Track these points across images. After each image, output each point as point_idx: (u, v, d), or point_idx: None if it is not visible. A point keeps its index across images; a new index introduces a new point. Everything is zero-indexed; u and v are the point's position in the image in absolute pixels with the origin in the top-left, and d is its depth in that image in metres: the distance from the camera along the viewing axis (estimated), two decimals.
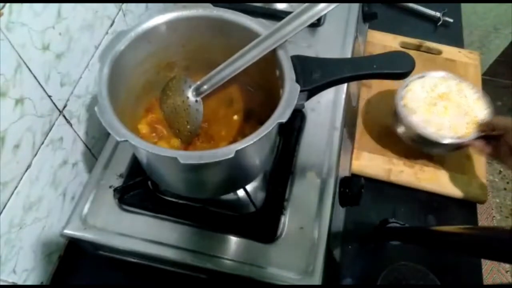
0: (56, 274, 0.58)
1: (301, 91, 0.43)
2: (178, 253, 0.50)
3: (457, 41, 0.95)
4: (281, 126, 0.41)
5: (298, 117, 0.61)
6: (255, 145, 0.39)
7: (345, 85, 0.64)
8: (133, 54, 0.48)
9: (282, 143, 0.59)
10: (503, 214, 1.55)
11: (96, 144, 0.62)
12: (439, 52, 0.91)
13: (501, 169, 1.66)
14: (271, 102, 0.44)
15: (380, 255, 0.66)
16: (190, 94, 0.47)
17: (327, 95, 0.62)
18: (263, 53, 0.44)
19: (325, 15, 0.45)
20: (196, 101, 0.48)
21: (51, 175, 0.53)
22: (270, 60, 0.46)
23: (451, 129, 0.67)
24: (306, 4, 0.41)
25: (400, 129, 0.72)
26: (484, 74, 1.53)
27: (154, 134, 0.52)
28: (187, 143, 0.52)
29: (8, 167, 0.45)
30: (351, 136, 0.72)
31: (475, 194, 0.71)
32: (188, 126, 0.50)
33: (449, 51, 0.91)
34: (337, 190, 0.57)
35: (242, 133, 0.53)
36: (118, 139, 0.39)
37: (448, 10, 0.97)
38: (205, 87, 0.47)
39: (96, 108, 0.41)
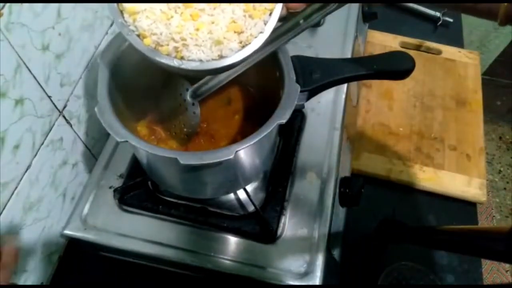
0: (56, 274, 0.58)
1: (301, 91, 0.43)
2: (178, 253, 0.50)
3: (457, 41, 0.95)
4: (281, 126, 0.41)
5: (298, 117, 0.61)
6: (255, 146, 0.39)
7: (345, 85, 0.64)
8: (133, 55, 0.48)
9: (282, 143, 0.59)
10: (503, 214, 1.55)
11: (96, 145, 0.62)
12: (439, 52, 0.91)
13: (501, 169, 1.66)
14: (271, 102, 0.44)
15: (380, 255, 0.66)
16: (187, 97, 0.47)
17: (327, 95, 0.62)
18: (262, 56, 0.44)
19: None
20: (193, 104, 0.47)
21: (51, 176, 0.53)
22: (270, 61, 0.46)
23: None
24: (308, 7, 0.41)
25: None
26: (483, 74, 1.53)
27: (153, 137, 0.52)
28: (184, 146, 0.51)
29: (8, 168, 0.45)
30: (351, 136, 0.72)
31: (475, 194, 0.71)
32: (185, 129, 0.49)
33: (449, 51, 0.91)
34: (337, 190, 0.57)
35: (242, 133, 0.53)
36: (118, 139, 0.39)
37: (448, 10, 0.97)
38: (202, 89, 0.47)
39: (96, 109, 0.41)
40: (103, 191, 0.55)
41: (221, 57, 0.36)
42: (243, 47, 0.36)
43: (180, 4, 0.34)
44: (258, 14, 0.36)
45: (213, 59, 0.35)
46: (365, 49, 0.87)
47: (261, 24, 0.36)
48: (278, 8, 0.36)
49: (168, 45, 0.34)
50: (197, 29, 0.34)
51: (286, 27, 0.43)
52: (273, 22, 0.36)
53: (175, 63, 0.35)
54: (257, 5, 0.35)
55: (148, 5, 0.34)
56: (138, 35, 0.35)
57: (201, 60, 0.35)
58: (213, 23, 0.34)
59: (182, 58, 0.35)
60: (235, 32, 0.35)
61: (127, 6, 0.34)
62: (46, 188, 0.53)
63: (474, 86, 0.86)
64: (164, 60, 0.35)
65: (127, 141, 0.39)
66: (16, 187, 0.47)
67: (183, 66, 0.35)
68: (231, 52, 0.36)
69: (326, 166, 0.57)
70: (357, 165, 0.73)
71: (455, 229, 0.51)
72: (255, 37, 0.36)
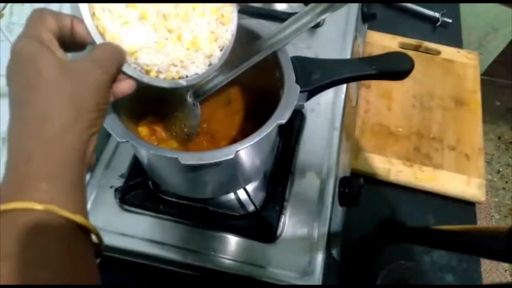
0: None
1: (301, 91, 0.44)
2: (179, 253, 0.50)
3: (456, 42, 0.95)
4: (281, 126, 0.41)
5: (298, 117, 0.61)
6: (255, 146, 0.40)
7: (345, 85, 0.65)
8: None
9: (282, 143, 0.59)
10: (502, 214, 1.55)
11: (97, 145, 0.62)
12: (438, 53, 0.91)
13: (500, 169, 1.66)
14: (271, 102, 0.44)
15: (380, 255, 0.66)
16: (188, 98, 0.48)
17: (327, 95, 0.63)
18: (263, 56, 0.44)
19: None
20: (194, 104, 0.48)
21: None
22: (270, 61, 0.46)
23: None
24: (308, 7, 0.42)
25: None
26: (482, 74, 1.54)
27: (153, 137, 0.53)
28: (185, 146, 0.52)
29: None
30: (351, 136, 0.72)
31: (474, 193, 0.71)
32: (186, 130, 0.50)
33: (448, 51, 0.91)
34: (337, 190, 0.58)
35: (242, 133, 0.53)
36: (119, 139, 0.39)
37: (447, 11, 0.97)
38: (203, 90, 0.47)
39: None
40: (104, 190, 0.55)
41: (210, 64, 0.40)
42: (220, 50, 0.41)
43: (165, 31, 0.36)
44: (227, 20, 0.40)
45: (205, 69, 0.40)
46: (364, 50, 0.87)
47: (230, 28, 0.41)
48: (235, 10, 0.41)
49: (168, 71, 0.38)
50: (188, 49, 0.38)
51: (286, 28, 0.43)
52: (235, 20, 0.41)
53: (182, 84, 0.39)
54: (224, 12, 0.40)
55: (143, 41, 0.35)
56: (140, 70, 0.37)
57: (197, 74, 0.39)
58: (195, 38, 0.38)
59: (180, 78, 0.39)
60: (214, 41, 0.39)
61: (127, 47, 0.35)
62: None
63: (473, 86, 0.86)
64: (172, 86, 0.38)
65: (128, 141, 0.39)
66: None
67: (186, 84, 0.39)
68: (216, 59, 0.41)
69: (326, 166, 0.57)
70: (357, 165, 0.73)
71: (454, 229, 0.52)
72: (229, 40, 0.41)
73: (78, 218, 0.26)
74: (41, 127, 0.26)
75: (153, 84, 0.37)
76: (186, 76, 0.39)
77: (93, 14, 0.33)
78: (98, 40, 0.33)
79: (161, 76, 0.38)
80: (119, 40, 0.34)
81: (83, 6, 0.33)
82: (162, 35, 0.36)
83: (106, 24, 0.34)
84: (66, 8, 0.48)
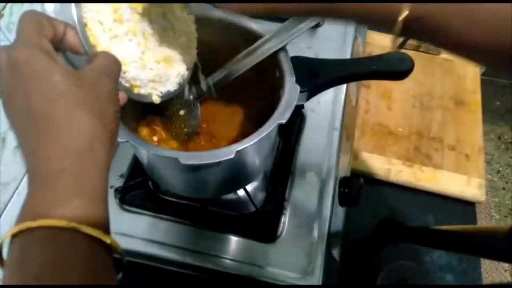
0: None
1: (301, 91, 0.44)
2: (179, 253, 0.50)
3: None
4: (281, 126, 0.41)
5: (298, 117, 0.61)
6: (255, 146, 0.40)
7: (345, 85, 0.65)
8: None
9: (282, 143, 0.59)
10: (502, 214, 1.55)
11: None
12: (438, 53, 0.91)
13: (500, 169, 1.66)
14: (271, 102, 0.44)
15: (380, 255, 0.66)
16: (188, 98, 0.48)
17: (327, 95, 0.63)
18: (264, 56, 0.44)
19: None
20: (194, 104, 0.48)
21: None
22: (270, 61, 0.46)
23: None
24: None
25: None
26: (482, 74, 1.53)
27: (153, 137, 0.53)
28: (185, 146, 0.52)
29: (9, 168, 0.45)
30: (351, 136, 0.72)
31: (474, 193, 0.71)
32: (185, 129, 0.50)
33: None
34: (337, 190, 0.58)
35: (242, 133, 0.53)
36: (119, 139, 0.39)
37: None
38: (203, 90, 0.47)
39: None
40: None
41: (179, 83, 0.42)
42: (187, 70, 0.43)
43: (146, 48, 0.38)
44: (193, 43, 0.43)
45: (177, 87, 0.42)
46: (364, 50, 0.87)
47: (194, 51, 0.44)
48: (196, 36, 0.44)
49: (147, 85, 0.39)
50: (165, 66, 0.40)
51: (286, 28, 0.43)
52: (196, 44, 0.44)
53: (158, 99, 0.40)
54: (191, 37, 0.43)
55: (130, 55, 0.36)
56: (125, 83, 0.37)
57: (169, 90, 0.41)
58: (169, 57, 0.40)
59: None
60: (183, 62, 0.42)
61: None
62: None
63: (473, 86, 0.86)
64: (150, 100, 0.40)
65: (128, 141, 0.39)
66: (17, 187, 0.47)
67: (161, 100, 0.41)
68: (183, 78, 0.43)
69: (326, 166, 0.57)
70: (357, 165, 0.73)
71: (454, 229, 0.52)
72: (193, 62, 0.44)
73: (107, 239, 0.25)
74: (69, 140, 0.25)
75: (138, 99, 0.38)
76: (161, 92, 0.40)
77: (85, 25, 0.33)
78: (91, 51, 0.33)
79: (142, 91, 0.38)
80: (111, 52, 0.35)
81: (77, 16, 0.32)
82: (143, 51, 0.37)
83: (98, 36, 0.34)
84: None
